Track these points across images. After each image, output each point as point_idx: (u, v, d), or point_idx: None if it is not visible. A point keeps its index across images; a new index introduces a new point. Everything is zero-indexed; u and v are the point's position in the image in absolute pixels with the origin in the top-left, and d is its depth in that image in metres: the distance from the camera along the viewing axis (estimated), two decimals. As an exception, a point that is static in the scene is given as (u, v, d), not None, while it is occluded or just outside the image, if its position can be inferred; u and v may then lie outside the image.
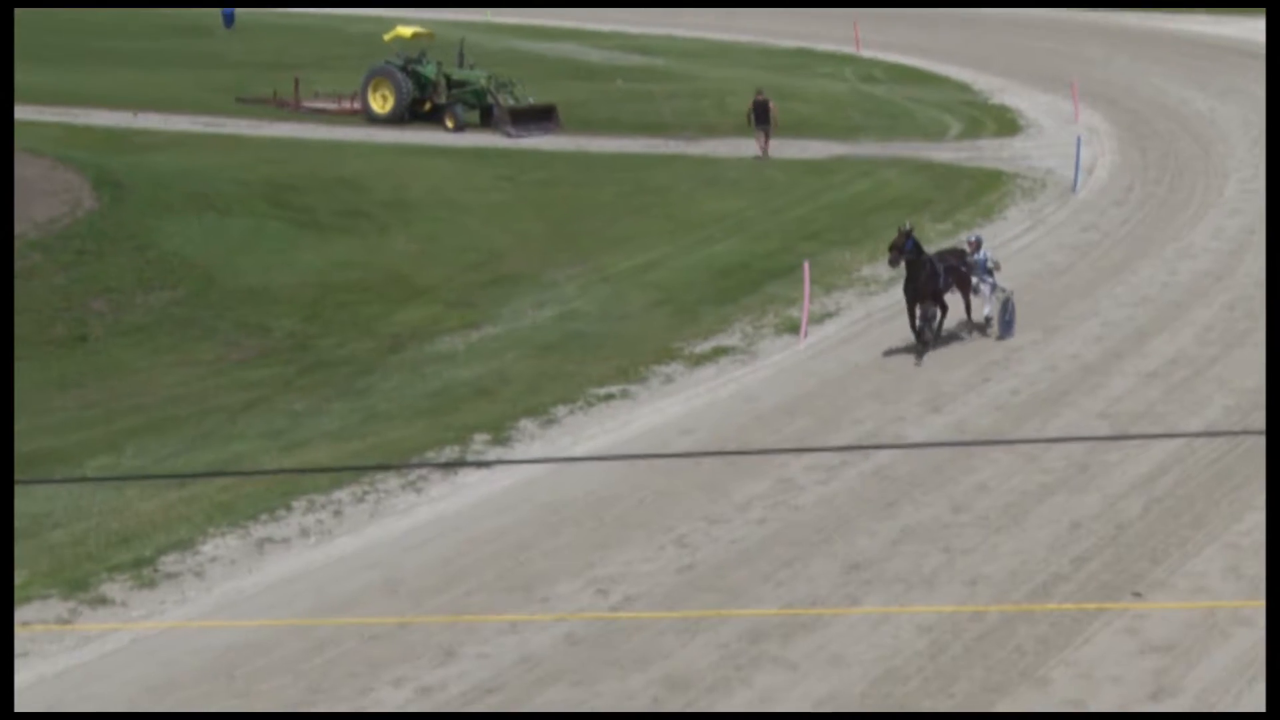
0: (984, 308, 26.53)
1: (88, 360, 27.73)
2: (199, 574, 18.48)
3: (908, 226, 25.47)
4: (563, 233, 36.34)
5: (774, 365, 26.94)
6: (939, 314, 25.96)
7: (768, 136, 43.76)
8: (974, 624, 16.63)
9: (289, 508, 20.53)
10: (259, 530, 19.76)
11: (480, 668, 15.77)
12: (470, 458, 22.52)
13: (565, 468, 21.71)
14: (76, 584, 17.80)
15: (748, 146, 44.90)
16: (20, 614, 17.02)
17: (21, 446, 23.06)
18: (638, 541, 19.16)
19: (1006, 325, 26.37)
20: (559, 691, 15.22)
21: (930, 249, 27.41)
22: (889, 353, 26.16)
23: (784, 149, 45.09)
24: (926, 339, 25.61)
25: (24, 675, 15.72)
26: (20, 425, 24.13)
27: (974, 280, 26.49)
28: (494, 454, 22.82)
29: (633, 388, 25.86)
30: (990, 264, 26.70)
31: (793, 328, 28.90)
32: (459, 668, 15.77)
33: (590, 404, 25.03)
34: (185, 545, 19.14)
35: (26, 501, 20.41)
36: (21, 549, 18.73)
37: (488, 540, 19.39)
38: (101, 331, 29.10)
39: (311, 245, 34.49)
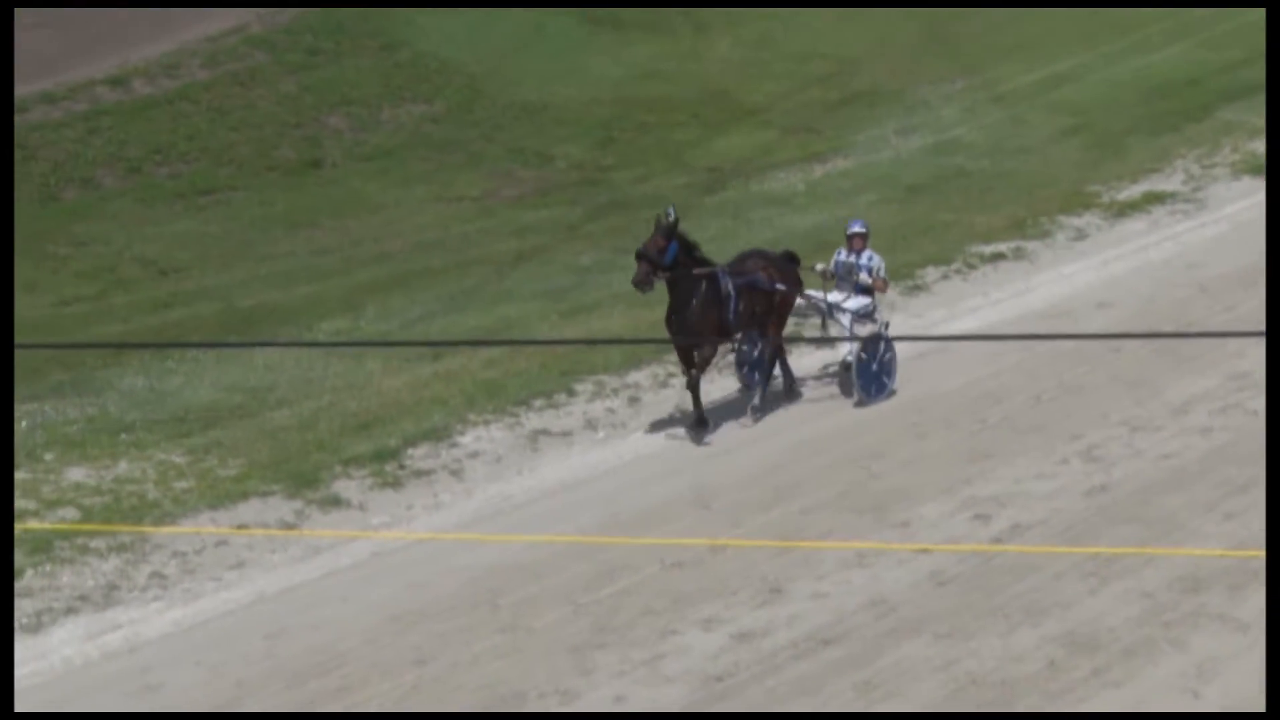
0: (842, 347, 20.88)
1: (321, 192, 28.68)
2: (456, 473, 19.01)
3: (670, 216, 19.23)
4: (939, 34, 35.75)
5: (1229, 219, 26.11)
6: (766, 350, 20.32)
7: None
8: None
9: (571, 392, 20.89)
10: (532, 420, 20.18)
11: (816, 610, 15.85)
12: (806, 333, 22.53)
13: (936, 351, 21.54)
14: (304, 479, 18.52)
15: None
16: (236, 513, 17.82)
17: (239, 300, 24.08)
18: (1032, 452, 18.92)
19: (873, 379, 20.37)
20: (918, 646, 15.20)
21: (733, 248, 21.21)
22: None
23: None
24: (702, 418, 19.75)
25: (239, 591, 16.47)
26: (238, 274, 25.18)
27: (823, 303, 20.60)
28: (837, 329, 22.76)
29: (1030, 245, 25.44)
30: (869, 274, 20.69)
31: (1256, 168, 27.92)
32: (788, 609, 15.88)
33: (972, 266, 24.73)
34: (439, 435, 19.69)
35: (244, 371, 21.31)
36: (238, 431, 19.58)
37: (829, 443, 19.40)
38: (338, 155, 30.04)
39: (606, 48, 34.79)
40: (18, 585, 16.31)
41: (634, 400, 20.78)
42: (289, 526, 17.67)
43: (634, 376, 21.27)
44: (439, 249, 26.33)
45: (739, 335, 20.00)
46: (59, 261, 25.59)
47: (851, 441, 19.38)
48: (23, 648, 15.41)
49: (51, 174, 28.21)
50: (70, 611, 16.02)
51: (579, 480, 18.90)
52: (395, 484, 18.69)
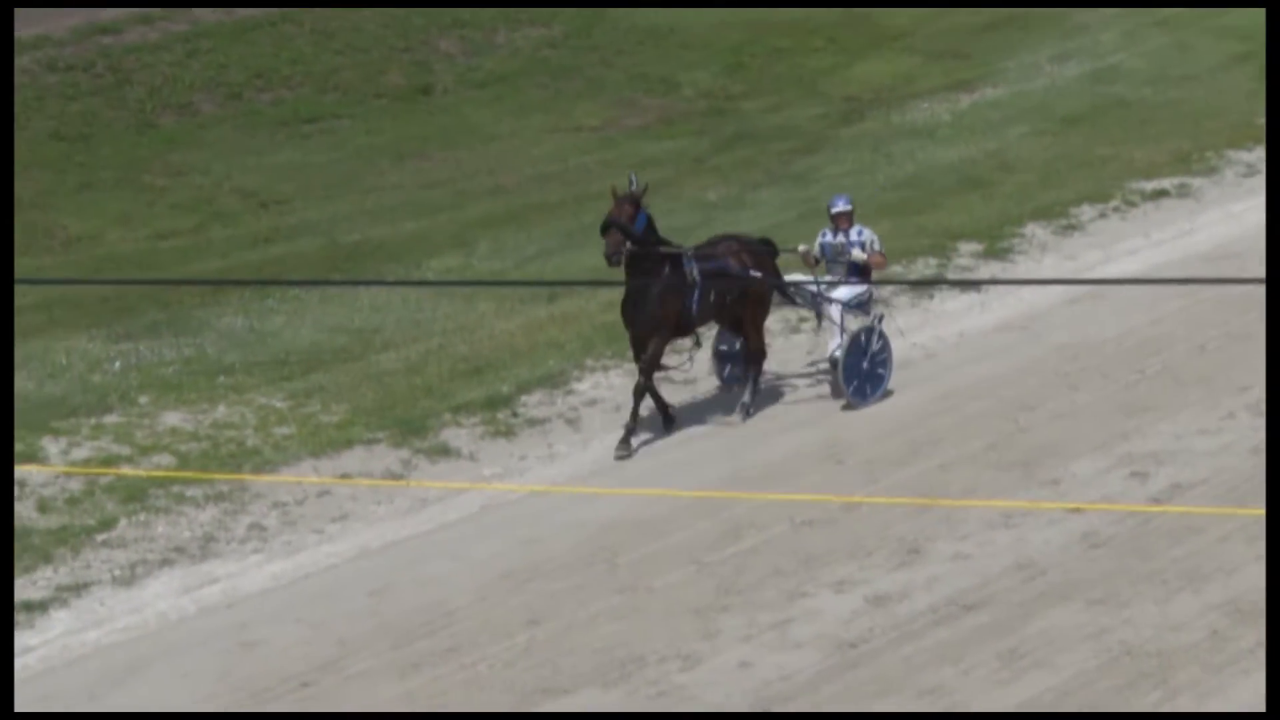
0: (831, 342, 19.35)
1: (431, 121, 28.76)
2: (572, 422, 19.06)
3: (635, 186, 18.26)
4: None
5: None
6: (740, 349, 19.26)
7: None
8: None
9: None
10: (655, 365, 20.19)
11: (957, 573, 15.79)
12: (951, 274, 22.38)
13: (1090, 296, 21.33)
14: (411, 427, 18.63)
15: None
16: (339, 462, 17.95)
17: (343, 235, 24.24)
18: (1195, 405, 18.73)
19: (862, 379, 19.03)
20: (1068, 613, 15.11)
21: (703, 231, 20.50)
22: None
23: None
24: (666, 414, 18.67)
25: (342, 545, 16.61)
26: (343, 207, 25.34)
27: (810, 290, 19.33)
28: (985, 271, 22.60)
29: (1196, 181, 25.16)
30: (863, 249, 19.32)
31: None
32: (927, 571, 15.82)
33: (1131, 204, 24.49)
34: (555, 382, 19.75)
35: (348, 311, 21.45)
36: (342, 375, 19.72)
37: (971, 393, 19.29)
38: (450, 81, 30.10)
39: (737, -34, 34.62)
40: (111, 535, 16.54)
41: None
42: (395, 477, 17.79)
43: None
44: (556, 182, 26.35)
45: (699, 330, 18.85)
46: (155, 193, 25.85)
47: (997, 393, 19.26)
48: (116, 600, 15.65)
49: (148, 99, 28.46)
50: (165, 563, 16.23)
51: (703, 431, 18.90)
52: (508, 433, 18.77)
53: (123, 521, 16.79)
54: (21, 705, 14.06)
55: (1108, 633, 14.83)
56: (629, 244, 18.06)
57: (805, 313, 20.28)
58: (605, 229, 18.15)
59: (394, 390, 19.43)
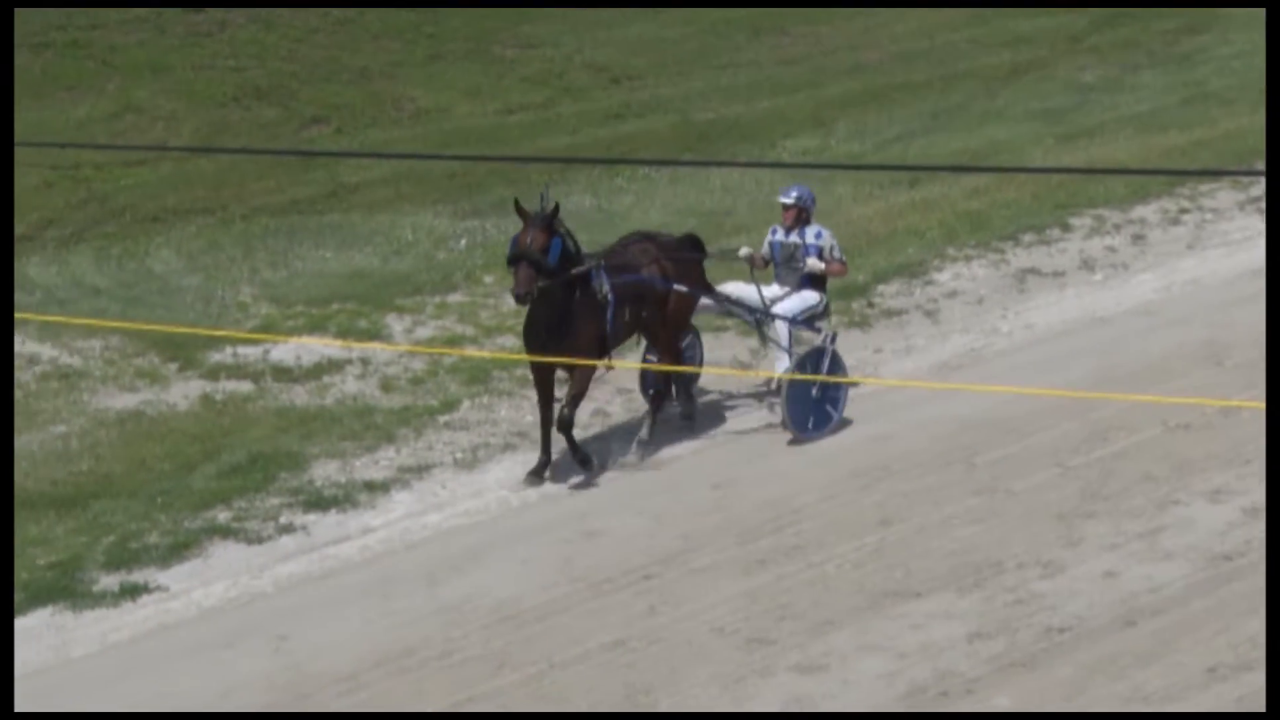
0: (777, 364, 17.07)
1: (790, -5, 28.69)
2: (930, 314, 18.97)
3: (547, 204, 15.90)
4: None
5: None
6: (663, 378, 16.94)
7: None
8: None
9: (1066, 227, 20.61)
10: (1020, 257, 19.99)
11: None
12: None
13: None
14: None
15: None
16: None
17: (696, 113, 24.37)
18: None
19: (808, 409, 16.62)
20: None
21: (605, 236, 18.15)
22: None
23: None
24: (576, 456, 16.20)
25: (686, 435, 16.70)
26: (696, 83, 25.45)
27: (751, 304, 17.01)
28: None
29: None
30: (819, 256, 16.93)
31: None
32: (1310, 484, 15.48)
33: None
34: (913, 271, 19.66)
35: (698, 193, 21.57)
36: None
37: (1368, 295, 18.77)
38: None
39: None
40: (454, 417, 16.91)
41: (1138, 238, 20.39)
42: (743, 367, 17.86)
43: (1139, 211, 20.85)
44: (921, 60, 26.14)
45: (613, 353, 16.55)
46: (505, 65, 26.20)
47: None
48: (457, 483, 16.00)
49: (499, -32, 28.84)
50: (508, 448, 16.53)
51: (1071, 327, 18.69)
52: (862, 323, 18.75)
53: (465, 403, 17.15)
54: (362, 588, 14.48)
55: None
56: (541, 279, 15.70)
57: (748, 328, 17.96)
58: (513, 261, 15.82)
59: (744, 275, 19.44)
